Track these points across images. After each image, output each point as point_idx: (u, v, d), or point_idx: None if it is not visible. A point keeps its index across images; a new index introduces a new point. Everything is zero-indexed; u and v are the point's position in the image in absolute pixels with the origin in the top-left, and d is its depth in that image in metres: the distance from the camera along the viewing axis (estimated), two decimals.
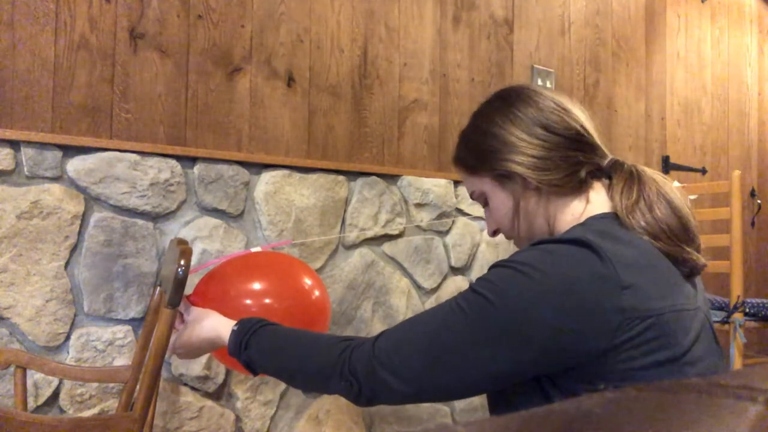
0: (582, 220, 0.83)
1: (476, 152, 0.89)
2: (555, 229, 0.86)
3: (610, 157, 0.87)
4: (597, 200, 0.85)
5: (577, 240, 0.73)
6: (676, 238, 0.77)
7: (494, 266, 0.76)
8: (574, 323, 0.69)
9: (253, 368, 0.89)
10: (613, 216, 0.81)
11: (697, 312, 0.76)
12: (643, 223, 0.77)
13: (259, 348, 0.87)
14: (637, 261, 0.73)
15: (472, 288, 0.75)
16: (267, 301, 1.06)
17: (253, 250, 1.19)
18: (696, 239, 0.80)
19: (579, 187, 0.85)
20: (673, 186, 0.82)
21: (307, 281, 1.13)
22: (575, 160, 0.84)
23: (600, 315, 0.69)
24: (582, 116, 0.87)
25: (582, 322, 0.69)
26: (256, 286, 1.07)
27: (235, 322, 0.93)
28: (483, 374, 0.73)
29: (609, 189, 0.85)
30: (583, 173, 0.84)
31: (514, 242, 0.93)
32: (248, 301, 1.05)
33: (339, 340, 0.83)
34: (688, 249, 0.78)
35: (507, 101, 0.89)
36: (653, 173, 0.83)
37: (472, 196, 0.95)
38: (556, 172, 0.83)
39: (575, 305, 0.69)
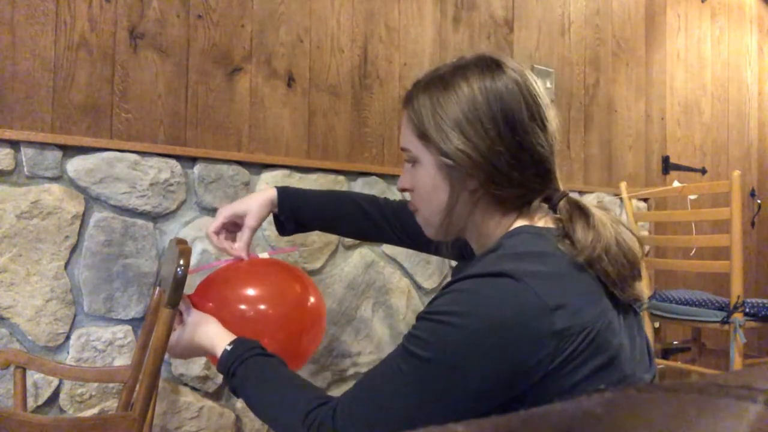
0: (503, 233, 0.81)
1: (442, 126, 0.80)
2: (477, 232, 0.84)
3: (561, 190, 0.83)
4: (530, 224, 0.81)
5: (496, 273, 0.70)
6: (624, 278, 0.75)
7: (420, 318, 0.74)
8: (508, 361, 0.67)
9: (236, 395, 0.90)
10: (533, 231, 0.78)
11: (618, 309, 0.75)
12: (597, 266, 0.74)
13: (243, 380, 0.88)
14: (555, 275, 0.71)
15: (404, 346, 0.73)
16: (262, 307, 1.07)
17: (261, 256, 1.18)
18: (640, 273, 0.78)
19: (519, 209, 0.82)
20: (619, 219, 0.80)
21: (303, 288, 1.13)
22: (531, 186, 0.80)
23: (534, 344, 0.67)
24: (556, 124, 0.82)
25: (517, 358, 0.67)
26: (253, 292, 1.08)
27: (230, 338, 0.94)
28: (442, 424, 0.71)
29: (555, 221, 0.80)
30: (536, 202, 0.81)
31: (419, 220, 0.89)
32: (244, 307, 1.05)
33: (310, 400, 0.80)
34: (635, 284, 0.76)
35: (501, 97, 0.80)
36: (596, 207, 0.80)
37: (402, 149, 0.86)
38: (509, 191, 0.80)
39: (506, 343, 0.67)
